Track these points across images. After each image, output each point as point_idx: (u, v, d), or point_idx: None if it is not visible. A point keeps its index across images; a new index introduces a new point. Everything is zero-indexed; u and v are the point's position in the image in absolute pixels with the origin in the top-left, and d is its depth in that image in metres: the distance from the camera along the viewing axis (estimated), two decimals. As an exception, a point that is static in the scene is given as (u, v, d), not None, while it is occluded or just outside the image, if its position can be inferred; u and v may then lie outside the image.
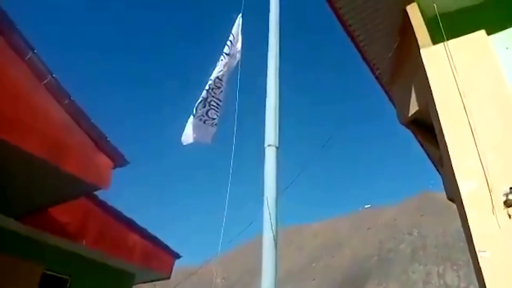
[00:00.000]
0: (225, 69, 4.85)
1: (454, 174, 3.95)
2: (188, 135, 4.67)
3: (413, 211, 70.55)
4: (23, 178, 3.61)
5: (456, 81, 4.31)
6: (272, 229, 3.42)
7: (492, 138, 3.95)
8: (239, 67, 4.98)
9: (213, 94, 4.74)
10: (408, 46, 5.50)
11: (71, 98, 3.42)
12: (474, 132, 3.96)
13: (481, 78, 4.35)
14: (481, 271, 3.44)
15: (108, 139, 3.79)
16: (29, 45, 3.17)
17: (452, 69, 4.39)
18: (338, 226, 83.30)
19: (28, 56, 3.12)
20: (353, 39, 5.98)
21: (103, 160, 3.73)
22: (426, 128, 5.50)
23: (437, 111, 4.37)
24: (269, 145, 3.84)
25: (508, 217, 3.52)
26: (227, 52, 4.93)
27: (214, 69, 4.81)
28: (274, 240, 3.40)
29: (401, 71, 6.08)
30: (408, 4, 5.34)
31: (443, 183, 6.74)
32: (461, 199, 3.81)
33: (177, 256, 7.40)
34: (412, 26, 5.16)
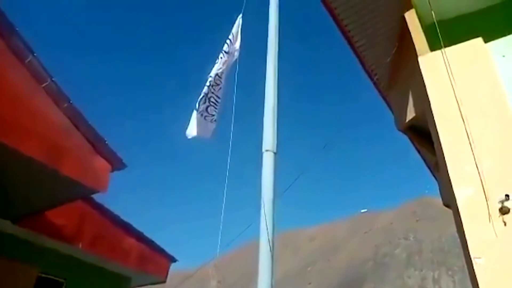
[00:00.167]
0: (224, 67, 4.93)
1: (450, 180, 3.97)
2: (191, 129, 4.77)
3: (409, 215, 70.59)
4: (21, 181, 3.60)
5: (453, 88, 4.33)
6: (268, 233, 3.43)
7: (488, 145, 3.96)
8: (237, 66, 5.05)
9: (212, 90, 4.80)
10: (406, 52, 5.53)
11: (70, 102, 3.42)
12: (470, 139, 3.98)
13: (478, 85, 4.37)
14: (475, 277, 3.46)
15: (106, 142, 3.78)
16: (29, 48, 3.16)
17: (449, 76, 4.42)
18: (334, 230, 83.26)
19: (28, 60, 3.12)
20: (351, 44, 6.00)
21: (101, 163, 3.73)
22: (423, 135, 5.51)
23: (434, 118, 4.39)
24: (267, 150, 3.86)
25: (503, 224, 3.54)
26: (226, 50, 4.99)
27: (213, 67, 4.89)
28: (271, 243, 3.42)
29: (399, 77, 6.10)
30: (407, 10, 5.37)
31: (439, 189, 6.74)
32: (457, 206, 3.82)
33: (173, 259, 7.40)
34: (410, 32, 5.19)
